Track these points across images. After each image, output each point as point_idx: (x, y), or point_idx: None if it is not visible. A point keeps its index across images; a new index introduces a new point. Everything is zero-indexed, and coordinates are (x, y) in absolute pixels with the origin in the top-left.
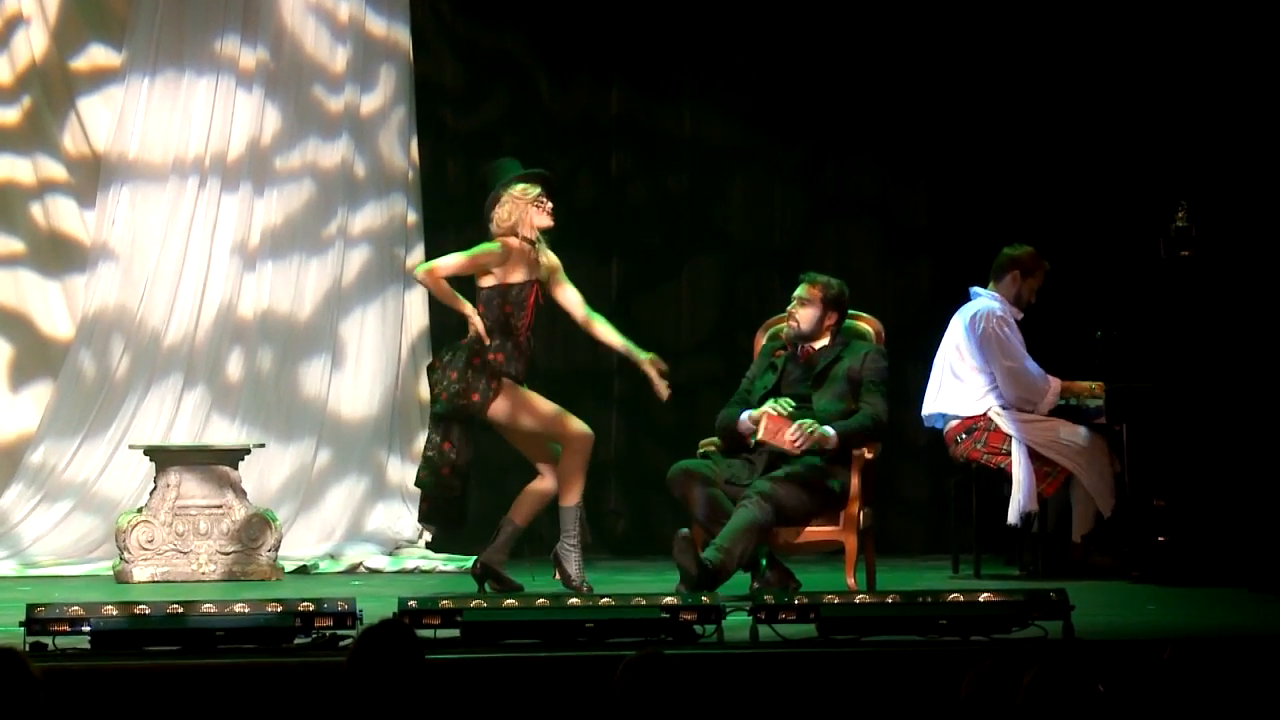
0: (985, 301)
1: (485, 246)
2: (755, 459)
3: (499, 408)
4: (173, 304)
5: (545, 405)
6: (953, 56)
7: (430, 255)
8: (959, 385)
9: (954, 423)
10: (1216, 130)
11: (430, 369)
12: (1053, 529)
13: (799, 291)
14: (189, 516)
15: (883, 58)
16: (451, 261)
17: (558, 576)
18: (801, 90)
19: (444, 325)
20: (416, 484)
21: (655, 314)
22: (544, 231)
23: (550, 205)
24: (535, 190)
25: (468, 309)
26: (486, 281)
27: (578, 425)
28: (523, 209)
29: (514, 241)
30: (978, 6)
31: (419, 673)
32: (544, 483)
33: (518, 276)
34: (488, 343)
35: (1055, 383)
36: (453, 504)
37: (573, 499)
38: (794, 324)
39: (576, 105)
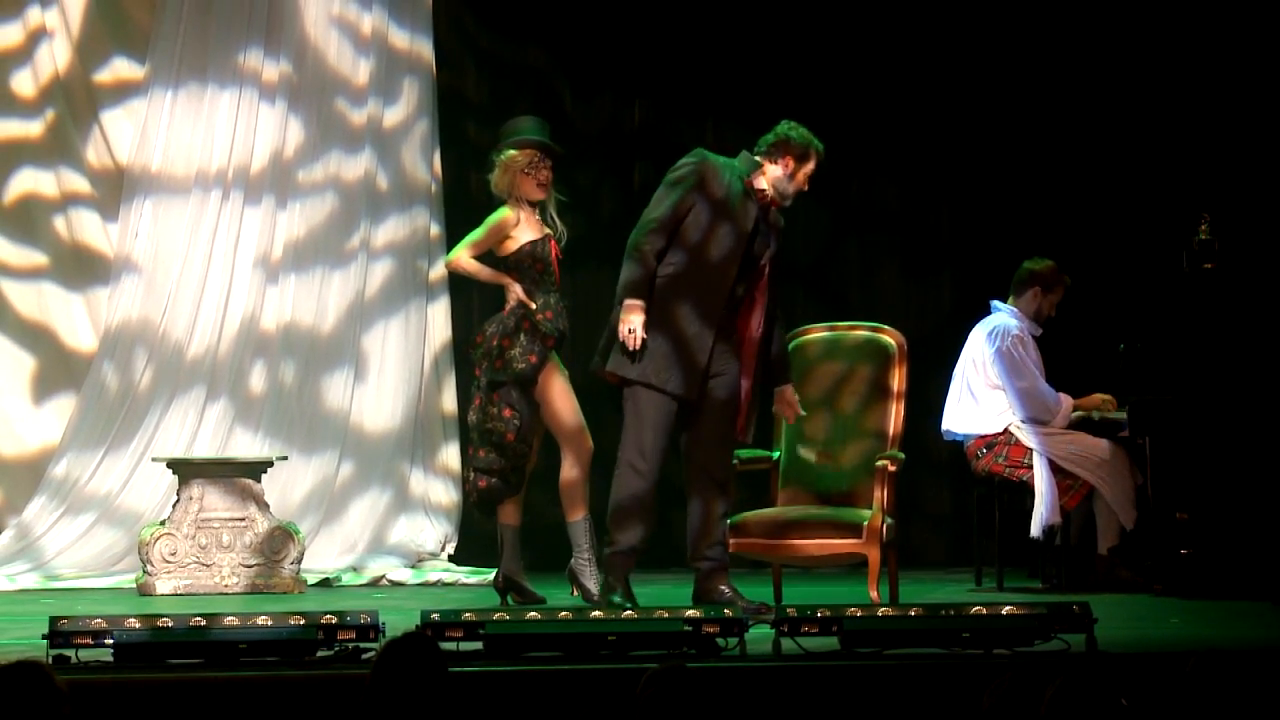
0: (1004, 318)
1: (496, 215)
2: None
3: (543, 375)
4: (195, 317)
5: (572, 405)
6: (974, 71)
7: None
8: (975, 406)
9: (974, 438)
10: (1239, 143)
11: (474, 345)
12: (1075, 542)
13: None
14: (212, 529)
15: (905, 72)
16: (472, 240)
17: (575, 593)
18: (824, 104)
19: (467, 337)
20: (476, 469)
21: None
22: (557, 200)
23: (543, 175)
24: (524, 159)
25: (504, 279)
26: (509, 247)
27: (589, 442)
28: (513, 176)
29: (518, 203)
30: (999, 22)
31: (442, 686)
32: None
33: (533, 234)
34: (533, 306)
35: (1067, 401)
36: (519, 471)
37: (579, 513)
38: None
39: (599, 117)
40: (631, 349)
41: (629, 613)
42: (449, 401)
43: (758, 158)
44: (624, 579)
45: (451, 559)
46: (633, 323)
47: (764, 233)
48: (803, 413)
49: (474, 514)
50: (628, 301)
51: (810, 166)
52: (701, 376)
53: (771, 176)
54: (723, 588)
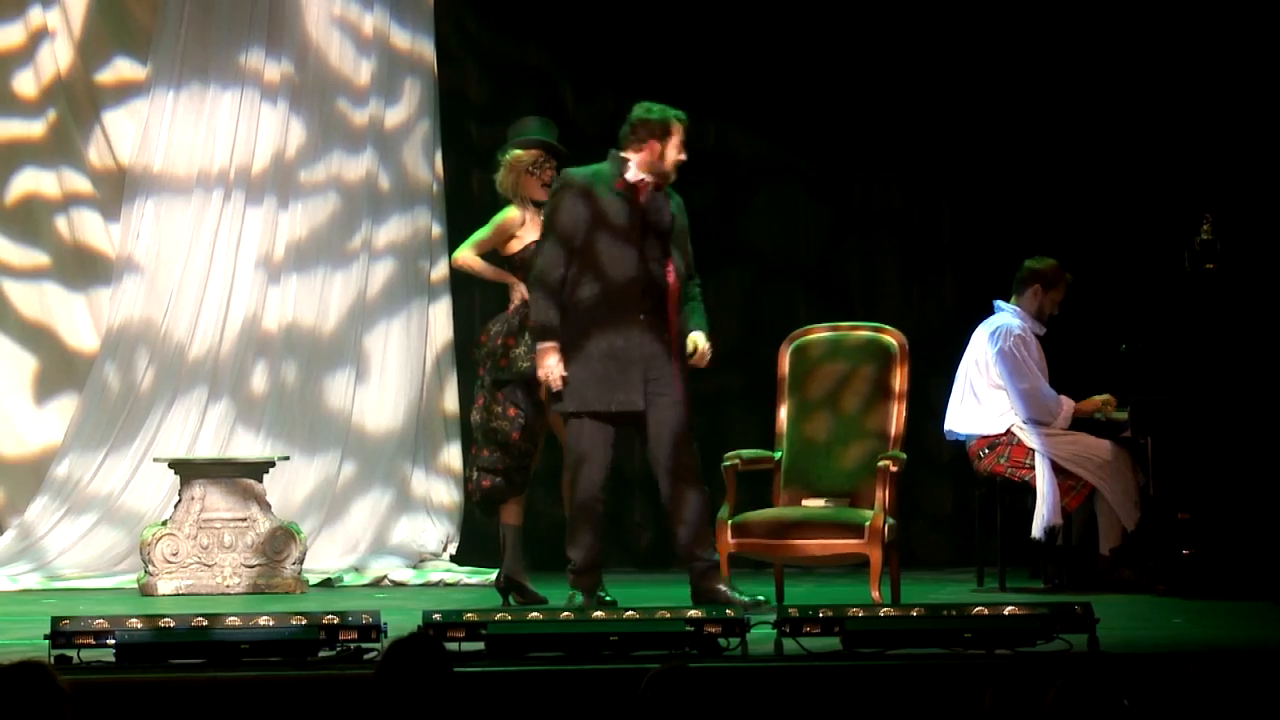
0: (1007, 318)
1: (502, 214)
2: None
3: None
4: (197, 317)
5: None
6: (976, 71)
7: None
8: (978, 406)
9: (977, 438)
10: (1241, 143)
11: (479, 345)
12: (1077, 542)
13: (683, 133)
14: (213, 529)
15: (906, 72)
16: (479, 238)
17: None
18: (825, 104)
19: (468, 337)
20: (480, 469)
21: None
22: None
23: (547, 175)
24: (529, 159)
25: (509, 278)
26: (514, 247)
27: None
28: (518, 175)
29: (523, 203)
30: (1000, 22)
31: (447, 687)
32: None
33: (537, 234)
34: None
35: (1068, 404)
36: (523, 470)
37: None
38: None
39: (600, 117)
40: (555, 390)
41: (630, 613)
42: (451, 401)
43: (623, 154)
44: (590, 595)
45: (453, 559)
46: (548, 367)
47: (655, 218)
48: (705, 358)
49: (476, 514)
50: (539, 346)
51: (677, 138)
52: (641, 383)
53: (643, 164)
54: (720, 586)
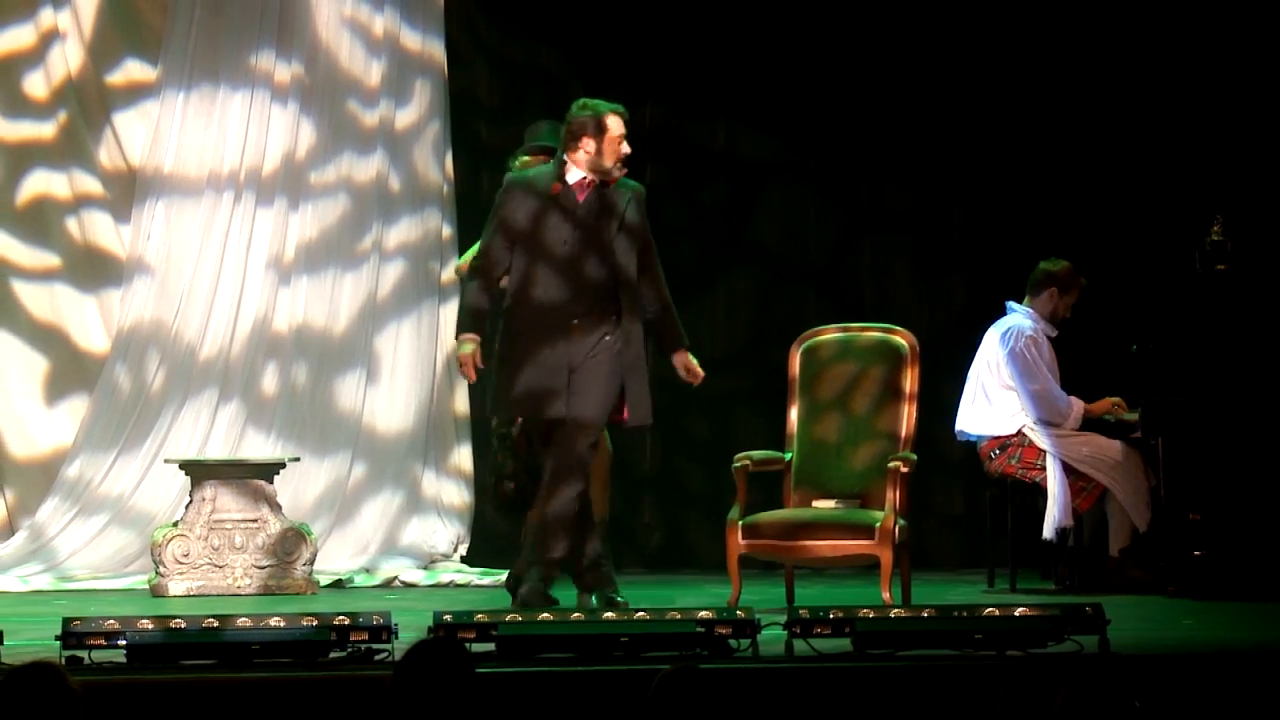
0: (1019, 319)
1: None
2: None
3: None
4: (208, 318)
5: None
6: (986, 72)
7: None
8: (989, 407)
9: (988, 439)
10: (1252, 143)
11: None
12: (1088, 543)
13: (621, 126)
14: (224, 530)
15: (917, 72)
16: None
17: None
18: (835, 104)
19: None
20: (499, 475)
21: (688, 328)
22: None
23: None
24: (535, 164)
25: None
26: None
27: (607, 445)
28: None
29: None
30: (1009, 23)
31: (468, 690)
32: None
33: None
34: None
35: (1078, 405)
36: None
37: (598, 514)
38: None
39: None
40: (470, 382)
41: (641, 614)
42: (461, 403)
43: (564, 155)
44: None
45: (464, 560)
46: (463, 359)
47: (595, 219)
48: (701, 374)
49: (487, 515)
50: (459, 335)
51: (614, 131)
52: (565, 390)
53: (583, 162)
54: (538, 587)
